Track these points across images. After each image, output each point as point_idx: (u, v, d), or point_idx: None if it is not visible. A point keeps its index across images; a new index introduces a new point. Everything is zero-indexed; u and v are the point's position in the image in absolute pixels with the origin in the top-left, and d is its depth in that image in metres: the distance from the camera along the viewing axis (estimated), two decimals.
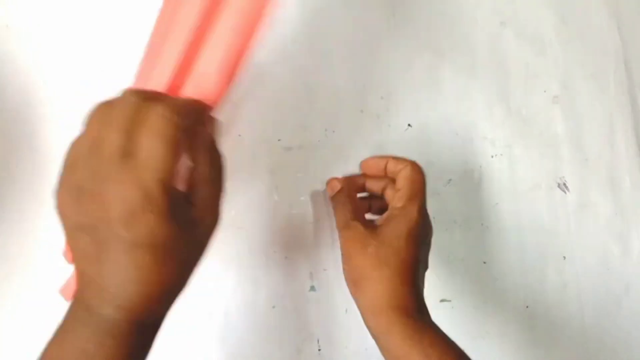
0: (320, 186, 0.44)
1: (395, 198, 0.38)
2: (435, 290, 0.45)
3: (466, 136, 0.47)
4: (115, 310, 0.24)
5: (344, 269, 0.37)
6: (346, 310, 0.44)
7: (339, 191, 0.40)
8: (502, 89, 0.48)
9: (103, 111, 0.25)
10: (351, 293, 0.36)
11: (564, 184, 0.48)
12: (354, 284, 0.36)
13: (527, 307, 0.46)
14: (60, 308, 0.41)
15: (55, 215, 0.43)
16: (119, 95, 0.26)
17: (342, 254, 0.37)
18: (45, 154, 0.43)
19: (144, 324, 0.25)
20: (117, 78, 0.44)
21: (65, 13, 0.44)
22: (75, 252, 0.25)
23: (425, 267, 0.38)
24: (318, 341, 0.43)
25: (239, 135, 0.45)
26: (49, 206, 0.42)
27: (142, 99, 0.25)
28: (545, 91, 0.49)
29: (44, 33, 0.44)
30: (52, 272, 0.42)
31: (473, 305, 0.45)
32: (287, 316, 0.43)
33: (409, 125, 0.47)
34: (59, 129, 0.43)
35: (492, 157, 0.47)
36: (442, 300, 0.45)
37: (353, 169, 0.45)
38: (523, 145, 0.48)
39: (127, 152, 0.24)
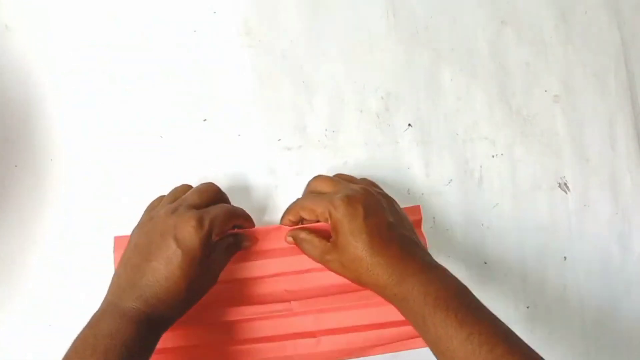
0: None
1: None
2: None
3: (466, 136, 0.47)
4: (139, 302, 0.33)
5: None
6: None
7: (297, 230, 0.40)
8: (502, 89, 0.48)
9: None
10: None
11: (565, 184, 0.48)
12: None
13: (527, 307, 0.46)
14: (58, 308, 0.41)
15: (53, 215, 0.43)
16: None
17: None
18: (45, 154, 0.43)
19: (155, 320, 0.33)
20: (117, 78, 0.44)
21: (65, 13, 0.44)
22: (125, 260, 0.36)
23: (403, 229, 0.37)
24: None
25: (239, 135, 0.45)
26: (48, 206, 0.42)
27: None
28: (545, 91, 0.49)
29: (44, 33, 0.44)
30: (51, 272, 0.42)
31: None
32: None
33: (409, 125, 0.47)
34: (58, 128, 0.43)
35: (493, 157, 0.47)
36: None
37: (353, 169, 0.45)
38: (523, 145, 0.48)
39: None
